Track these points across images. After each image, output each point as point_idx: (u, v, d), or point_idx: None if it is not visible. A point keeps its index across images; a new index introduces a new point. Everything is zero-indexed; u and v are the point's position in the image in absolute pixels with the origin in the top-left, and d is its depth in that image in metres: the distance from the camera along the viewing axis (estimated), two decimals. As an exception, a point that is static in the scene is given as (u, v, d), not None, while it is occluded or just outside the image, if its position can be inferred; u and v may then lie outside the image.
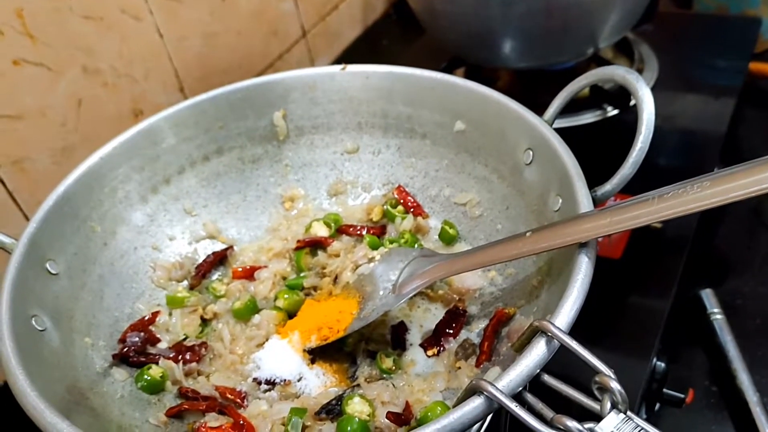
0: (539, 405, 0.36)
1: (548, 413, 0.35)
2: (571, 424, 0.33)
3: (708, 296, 0.75)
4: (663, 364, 0.64)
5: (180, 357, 0.56)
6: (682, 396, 0.64)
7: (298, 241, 0.65)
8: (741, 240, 0.84)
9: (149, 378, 0.53)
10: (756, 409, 0.65)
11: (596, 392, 0.35)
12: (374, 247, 0.62)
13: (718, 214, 0.85)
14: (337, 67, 0.68)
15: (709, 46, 0.98)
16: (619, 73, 0.53)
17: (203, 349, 0.57)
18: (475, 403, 0.35)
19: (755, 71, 0.99)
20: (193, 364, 0.56)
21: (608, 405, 0.34)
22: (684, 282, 0.70)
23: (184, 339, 0.59)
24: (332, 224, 0.67)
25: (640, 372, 0.60)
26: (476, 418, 0.35)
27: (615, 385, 0.34)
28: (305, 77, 0.68)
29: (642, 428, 0.33)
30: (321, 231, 0.66)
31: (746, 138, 0.96)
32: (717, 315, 0.73)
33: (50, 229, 0.55)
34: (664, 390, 0.65)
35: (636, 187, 0.74)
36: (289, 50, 1.00)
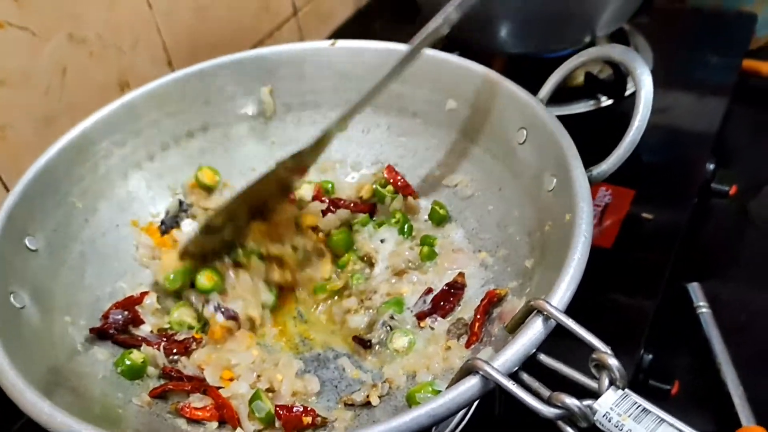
0: (535, 384, 0.35)
1: (545, 392, 0.34)
2: (570, 401, 0.32)
3: (695, 290, 0.75)
4: (650, 356, 0.63)
5: (169, 347, 0.54)
6: (668, 387, 0.64)
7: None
8: (728, 237, 0.85)
9: (130, 363, 0.51)
10: (739, 403, 0.65)
11: (593, 370, 0.35)
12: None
13: (707, 210, 0.85)
14: (327, 43, 0.66)
15: (704, 41, 0.97)
16: (617, 51, 0.52)
17: (194, 344, 0.55)
18: (471, 383, 0.35)
19: (748, 69, 0.98)
20: (178, 356, 0.54)
21: (606, 382, 0.33)
22: (673, 274, 0.69)
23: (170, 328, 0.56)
24: (328, 188, 0.67)
25: (628, 363, 0.58)
26: (472, 398, 0.34)
27: (613, 362, 0.33)
28: (294, 52, 0.66)
29: (640, 405, 0.32)
30: (307, 193, 0.65)
31: (735, 136, 0.95)
32: (703, 309, 0.73)
33: (30, 203, 0.53)
34: (650, 381, 0.64)
35: (626, 180, 0.74)
36: (279, 28, 0.98)
